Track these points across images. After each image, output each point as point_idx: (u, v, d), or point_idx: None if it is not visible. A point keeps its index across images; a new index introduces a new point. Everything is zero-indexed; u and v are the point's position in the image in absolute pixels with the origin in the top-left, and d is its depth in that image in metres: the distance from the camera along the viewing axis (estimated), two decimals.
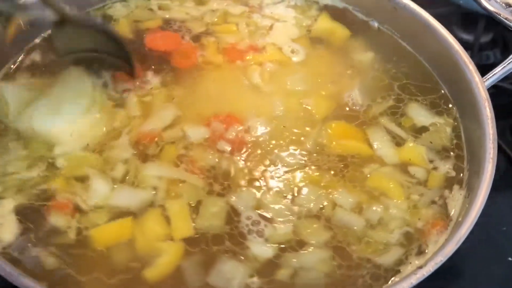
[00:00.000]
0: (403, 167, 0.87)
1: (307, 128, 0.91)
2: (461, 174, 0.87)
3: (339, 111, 0.95)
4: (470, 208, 0.73)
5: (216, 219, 0.80)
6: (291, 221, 0.80)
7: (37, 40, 1.03)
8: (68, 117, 0.89)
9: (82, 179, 0.83)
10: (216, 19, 1.10)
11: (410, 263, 0.75)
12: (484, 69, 0.91)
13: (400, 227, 0.80)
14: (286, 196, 0.83)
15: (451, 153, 0.90)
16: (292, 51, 1.04)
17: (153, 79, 0.97)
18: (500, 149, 1.16)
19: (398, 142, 0.90)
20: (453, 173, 0.88)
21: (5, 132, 0.88)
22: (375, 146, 0.89)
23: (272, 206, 0.81)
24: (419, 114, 0.94)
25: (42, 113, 0.88)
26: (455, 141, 0.91)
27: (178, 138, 0.89)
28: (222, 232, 0.79)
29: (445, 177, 0.87)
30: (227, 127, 0.90)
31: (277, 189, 0.83)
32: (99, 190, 0.82)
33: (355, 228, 0.80)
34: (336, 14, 1.11)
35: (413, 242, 0.79)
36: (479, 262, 1.03)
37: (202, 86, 0.98)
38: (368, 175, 0.85)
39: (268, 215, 0.80)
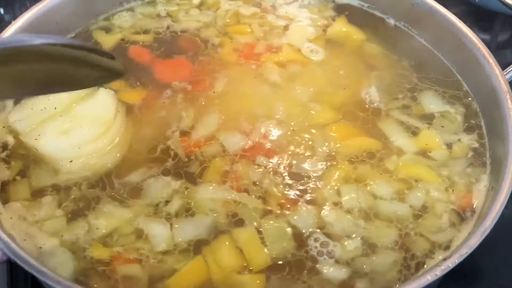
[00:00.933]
0: (422, 153, 0.87)
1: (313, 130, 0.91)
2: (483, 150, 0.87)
3: (356, 108, 0.94)
4: (495, 199, 0.72)
5: (285, 242, 0.77)
6: (356, 231, 0.78)
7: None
8: (75, 141, 0.84)
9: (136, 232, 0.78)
10: (228, 20, 1.09)
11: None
12: (502, 68, 0.90)
13: (445, 209, 0.80)
14: (337, 205, 0.81)
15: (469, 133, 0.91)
16: (311, 51, 1.03)
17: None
18: None
19: (414, 132, 0.90)
20: (476, 144, 0.88)
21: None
22: (391, 138, 0.89)
23: (333, 222, 0.79)
24: (431, 103, 0.94)
25: (51, 131, 0.85)
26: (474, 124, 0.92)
27: (217, 151, 0.87)
28: (293, 257, 0.76)
29: (468, 146, 0.88)
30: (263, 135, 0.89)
31: (325, 200, 0.81)
32: (160, 235, 0.77)
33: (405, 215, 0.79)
34: (352, 12, 1.10)
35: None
36: (499, 260, 1.02)
37: (223, 92, 0.97)
38: (395, 166, 0.85)
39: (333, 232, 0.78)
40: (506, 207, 0.72)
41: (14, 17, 1.07)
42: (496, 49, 1.37)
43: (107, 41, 1.03)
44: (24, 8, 1.38)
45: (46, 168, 0.84)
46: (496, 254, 1.01)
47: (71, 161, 0.83)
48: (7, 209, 0.78)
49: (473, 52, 0.93)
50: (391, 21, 1.08)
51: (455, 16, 0.97)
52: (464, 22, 1.27)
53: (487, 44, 1.32)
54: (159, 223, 0.77)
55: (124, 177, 0.83)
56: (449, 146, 0.88)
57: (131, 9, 1.10)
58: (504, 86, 0.85)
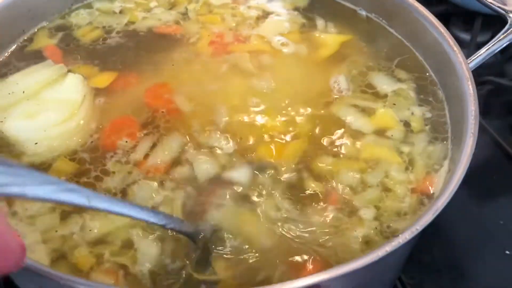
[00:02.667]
0: (381, 132, 0.89)
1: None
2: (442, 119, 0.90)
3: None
4: (450, 180, 0.72)
5: None
6: None
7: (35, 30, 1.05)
8: (42, 124, 0.85)
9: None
10: (199, 8, 1.11)
11: None
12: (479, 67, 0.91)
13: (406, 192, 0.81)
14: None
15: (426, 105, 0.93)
16: (282, 44, 1.04)
17: None
18: (499, 146, 1.17)
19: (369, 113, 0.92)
20: (429, 114, 0.91)
21: None
22: (347, 120, 0.90)
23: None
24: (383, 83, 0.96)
25: (17, 114, 0.86)
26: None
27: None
28: None
29: (423, 118, 0.90)
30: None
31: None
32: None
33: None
34: (324, 3, 1.12)
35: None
36: (478, 256, 1.04)
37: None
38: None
39: None
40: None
41: None
42: (476, 48, 1.38)
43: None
44: None
45: (10, 150, 0.85)
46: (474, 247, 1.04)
47: (36, 143, 0.84)
48: None
49: (439, 41, 0.93)
50: (363, 13, 1.09)
51: (423, 7, 0.98)
52: (446, 21, 1.30)
53: (468, 43, 1.35)
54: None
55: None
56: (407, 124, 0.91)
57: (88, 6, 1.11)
58: (467, 73, 0.86)
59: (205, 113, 0.90)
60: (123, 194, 0.79)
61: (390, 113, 0.90)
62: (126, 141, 0.85)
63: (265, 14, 1.11)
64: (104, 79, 0.96)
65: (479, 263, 1.03)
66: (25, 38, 1.04)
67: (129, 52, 1.01)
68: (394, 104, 0.93)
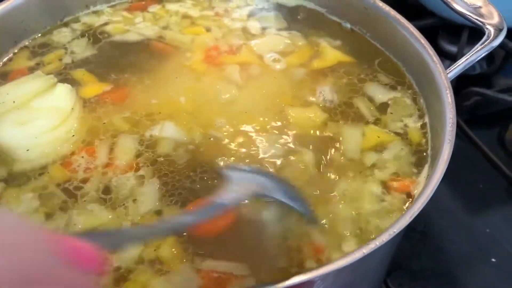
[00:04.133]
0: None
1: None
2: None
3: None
4: (427, 184, 0.74)
5: None
6: None
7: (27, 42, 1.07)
8: (32, 131, 0.87)
9: None
10: (180, 21, 1.14)
11: None
12: (468, 79, 0.92)
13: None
14: None
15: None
16: (274, 60, 1.05)
17: None
18: (485, 156, 1.19)
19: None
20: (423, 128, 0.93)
21: None
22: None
23: None
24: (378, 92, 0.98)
25: (8, 123, 0.87)
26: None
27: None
28: None
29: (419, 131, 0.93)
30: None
31: None
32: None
33: None
34: (309, 16, 1.15)
35: None
36: (465, 263, 1.05)
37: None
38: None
39: None
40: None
41: None
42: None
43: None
44: None
45: (3, 158, 0.87)
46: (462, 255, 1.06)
47: (28, 150, 0.86)
48: None
49: (419, 52, 0.96)
50: (348, 25, 1.12)
51: (405, 19, 1.01)
52: (434, 34, 1.33)
53: (454, 55, 1.38)
54: None
55: None
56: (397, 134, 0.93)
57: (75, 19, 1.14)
58: (445, 83, 0.88)
59: None
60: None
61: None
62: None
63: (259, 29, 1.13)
64: (92, 90, 0.98)
65: (466, 271, 1.04)
66: (8, 57, 1.06)
67: (118, 65, 1.04)
68: (391, 113, 0.95)
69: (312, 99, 0.97)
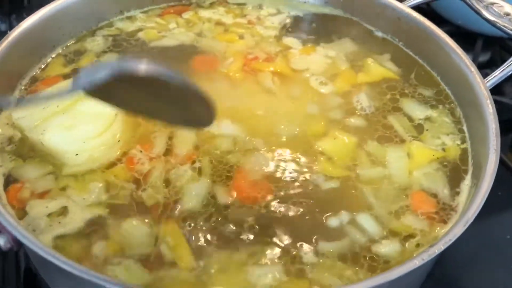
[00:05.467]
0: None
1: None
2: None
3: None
4: (477, 193, 0.76)
5: None
6: None
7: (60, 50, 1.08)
8: (80, 136, 0.88)
9: None
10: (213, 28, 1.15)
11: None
12: None
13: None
14: None
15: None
16: (320, 83, 1.04)
17: None
18: (502, 163, 1.21)
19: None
20: (462, 140, 0.94)
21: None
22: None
23: None
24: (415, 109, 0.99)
25: (54, 127, 0.88)
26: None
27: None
28: None
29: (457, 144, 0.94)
30: None
31: None
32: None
33: None
34: (340, 23, 1.17)
35: None
36: (484, 270, 1.06)
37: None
38: None
39: None
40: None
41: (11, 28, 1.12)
42: (478, 68, 1.43)
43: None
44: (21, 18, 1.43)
45: (53, 162, 0.88)
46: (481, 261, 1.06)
47: (77, 154, 0.87)
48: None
49: (457, 63, 0.98)
50: (379, 34, 1.14)
51: (440, 29, 1.03)
52: None
53: None
54: None
55: None
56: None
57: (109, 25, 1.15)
58: (485, 93, 0.90)
59: None
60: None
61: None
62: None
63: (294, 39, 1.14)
64: None
65: (486, 278, 1.05)
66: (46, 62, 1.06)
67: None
68: (427, 130, 0.96)
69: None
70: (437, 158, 0.91)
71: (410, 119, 0.98)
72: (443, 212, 0.84)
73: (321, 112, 0.98)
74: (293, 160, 0.90)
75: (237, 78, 1.03)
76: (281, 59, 1.08)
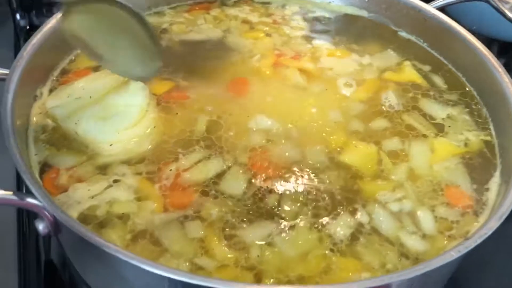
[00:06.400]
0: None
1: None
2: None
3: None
4: (509, 189, 0.77)
5: None
6: None
7: None
8: (114, 127, 0.89)
9: None
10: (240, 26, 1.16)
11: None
12: None
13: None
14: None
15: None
16: (345, 85, 1.04)
17: None
18: None
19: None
20: (488, 137, 0.96)
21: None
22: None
23: None
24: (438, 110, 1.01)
25: (89, 117, 0.89)
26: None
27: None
28: None
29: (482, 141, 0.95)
30: None
31: None
32: None
33: None
34: (363, 24, 1.19)
35: None
36: (502, 271, 1.06)
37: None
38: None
39: None
40: None
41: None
42: None
43: None
44: (41, 14, 1.45)
45: (86, 152, 0.88)
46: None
47: (111, 144, 0.88)
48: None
49: (483, 62, 1.00)
50: (403, 34, 1.15)
51: (464, 29, 1.05)
52: None
53: None
54: None
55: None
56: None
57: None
58: None
59: None
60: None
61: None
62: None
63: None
64: (161, 87, 1.00)
65: (503, 281, 1.05)
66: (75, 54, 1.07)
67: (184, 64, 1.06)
68: (450, 126, 0.97)
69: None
70: (461, 153, 0.93)
71: (431, 117, 0.99)
72: (476, 206, 0.85)
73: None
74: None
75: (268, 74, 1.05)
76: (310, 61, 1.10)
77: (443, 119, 0.99)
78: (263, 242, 0.77)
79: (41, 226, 0.75)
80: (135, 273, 0.70)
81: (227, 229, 0.79)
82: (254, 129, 0.94)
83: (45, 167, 0.86)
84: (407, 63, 1.09)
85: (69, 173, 0.85)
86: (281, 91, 1.02)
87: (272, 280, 0.73)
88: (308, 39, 1.16)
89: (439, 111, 1.00)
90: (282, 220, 0.80)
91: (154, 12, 1.18)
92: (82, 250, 0.78)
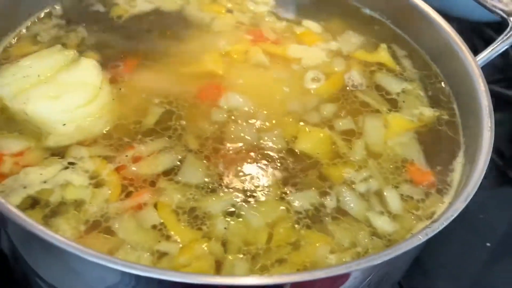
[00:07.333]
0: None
1: None
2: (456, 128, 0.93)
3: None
4: (474, 170, 0.77)
5: None
6: None
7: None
8: (66, 105, 0.84)
9: None
10: None
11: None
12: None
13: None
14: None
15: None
16: (312, 80, 1.00)
17: None
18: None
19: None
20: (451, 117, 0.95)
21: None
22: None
23: None
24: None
25: (39, 97, 0.84)
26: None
27: None
28: None
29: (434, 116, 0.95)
30: None
31: None
32: None
33: None
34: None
35: None
36: (461, 247, 1.08)
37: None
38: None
39: None
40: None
41: None
42: None
43: None
44: None
45: (36, 132, 0.83)
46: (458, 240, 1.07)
47: (64, 124, 0.83)
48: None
49: (447, 40, 0.99)
50: (367, 11, 1.13)
51: (431, 8, 1.03)
52: None
53: None
54: None
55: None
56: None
57: None
58: (476, 70, 0.92)
59: None
60: None
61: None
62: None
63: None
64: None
65: (463, 254, 1.08)
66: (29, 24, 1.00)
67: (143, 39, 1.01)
68: (404, 101, 0.96)
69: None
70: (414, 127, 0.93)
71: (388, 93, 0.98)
72: (440, 185, 0.85)
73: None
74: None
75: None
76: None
77: (397, 94, 0.98)
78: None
79: None
80: (88, 267, 0.66)
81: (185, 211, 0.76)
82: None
83: None
84: (384, 46, 1.07)
85: (15, 159, 0.79)
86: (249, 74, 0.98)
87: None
88: (274, 16, 1.11)
89: (394, 86, 0.99)
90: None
91: None
92: (32, 243, 0.73)
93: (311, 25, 1.08)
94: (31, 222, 0.64)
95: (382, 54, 1.04)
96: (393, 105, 0.96)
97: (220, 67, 0.96)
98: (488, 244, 1.11)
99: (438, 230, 0.69)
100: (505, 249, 1.10)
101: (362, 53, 1.04)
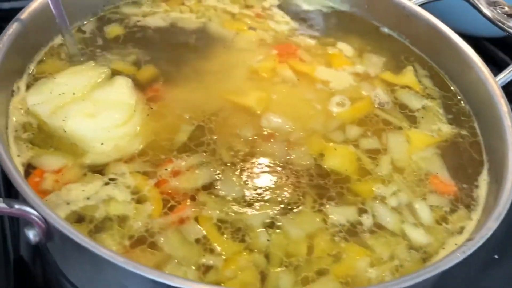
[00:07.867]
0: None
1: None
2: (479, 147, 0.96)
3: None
4: (503, 189, 0.80)
5: None
6: None
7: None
8: (104, 124, 0.85)
9: None
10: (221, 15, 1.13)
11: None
12: None
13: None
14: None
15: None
16: (338, 104, 1.01)
17: None
18: None
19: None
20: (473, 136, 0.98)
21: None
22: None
23: None
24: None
25: (76, 114, 0.84)
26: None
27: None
28: None
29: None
30: None
31: None
32: None
33: None
34: (348, 19, 1.18)
35: None
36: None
37: None
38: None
39: None
40: None
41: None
42: None
43: None
44: None
45: (73, 150, 0.84)
46: None
47: (102, 143, 0.84)
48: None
49: (467, 62, 1.02)
50: (385, 30, 1.16)
51: (448, 28, 1.06)
52: None
53: None
54: None
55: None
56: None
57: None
58: (497, 91, 0.95)
59: None
60: None
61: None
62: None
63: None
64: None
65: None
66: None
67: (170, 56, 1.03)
68: (423, 117, 0.99)
69: None
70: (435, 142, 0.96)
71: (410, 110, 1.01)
72: (466, 199, 0.88)
73: None
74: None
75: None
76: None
77: (417, 109, 1.01)
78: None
79: (31, 234, 0.70)
80: (135, 282, 0.68)
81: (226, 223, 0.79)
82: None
83: (29, 169, 0.81)
84: (410, 67, 1.10)
85: (55, 176, 0.80)
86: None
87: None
88: (295, 35, 1.13)
89: (414, 102, 1.02)
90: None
91: (132, 1, 1.13)
92: (76, 257, 0.74)
93: (344, 47, 1.11)
94: (83, 237, 0.65)
95: (409, 76, 1.07)
96: (412, 121, 0.99)
97: (261, 106, 0.96)
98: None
99: (475, 248, 0.71)
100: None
101: (389, 75, 1.07)
